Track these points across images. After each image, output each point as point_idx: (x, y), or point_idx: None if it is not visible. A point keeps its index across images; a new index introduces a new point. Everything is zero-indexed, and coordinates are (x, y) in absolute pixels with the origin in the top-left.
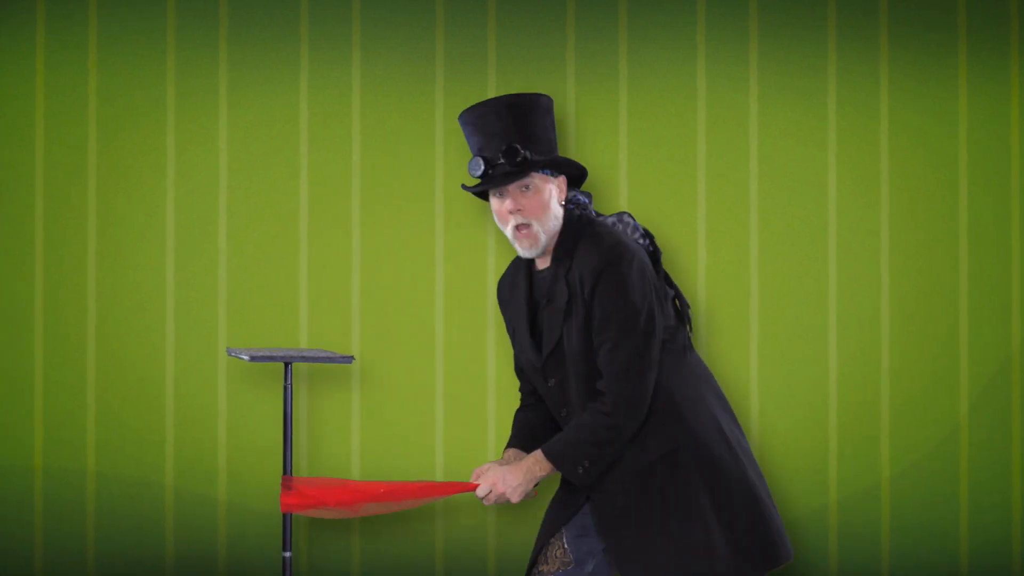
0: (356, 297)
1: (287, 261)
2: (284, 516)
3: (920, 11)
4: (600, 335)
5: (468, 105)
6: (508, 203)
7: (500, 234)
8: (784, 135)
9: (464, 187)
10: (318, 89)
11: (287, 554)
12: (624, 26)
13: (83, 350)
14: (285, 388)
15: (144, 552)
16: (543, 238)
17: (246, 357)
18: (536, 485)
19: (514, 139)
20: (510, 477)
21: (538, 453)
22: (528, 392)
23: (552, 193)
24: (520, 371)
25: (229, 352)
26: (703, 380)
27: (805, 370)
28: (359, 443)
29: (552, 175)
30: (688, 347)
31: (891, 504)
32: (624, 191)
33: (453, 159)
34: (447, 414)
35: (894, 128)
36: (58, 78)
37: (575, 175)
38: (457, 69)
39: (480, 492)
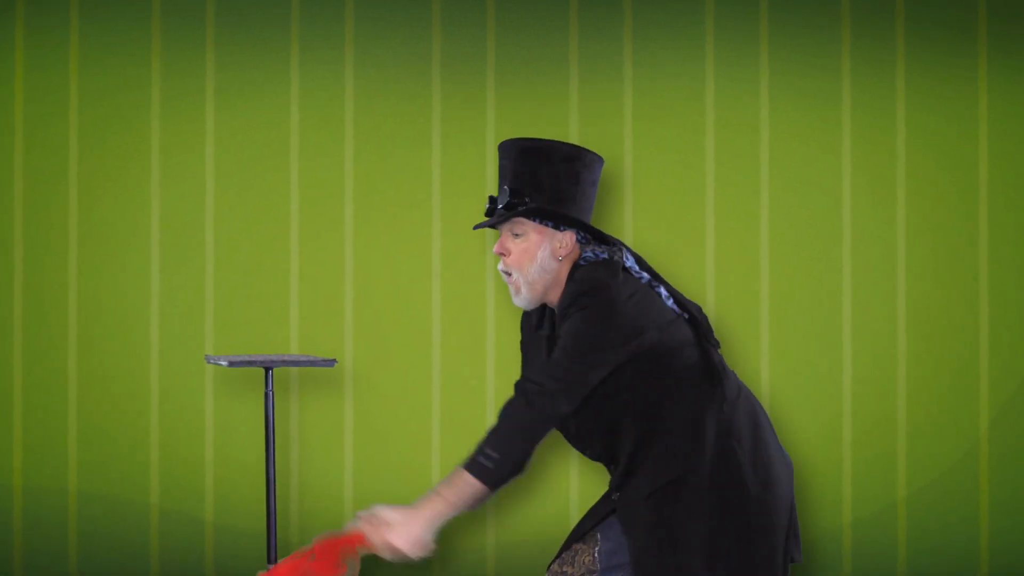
0: (349, 307)
1: (277, 270)
2: (268, 531)
3: (939, 9)
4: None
5: (465, 106)
6: (496, 246)
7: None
8: (796, 139)
9: (479, 226)
10: (309, 91)
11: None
12: (629, 26)
13: (64, 364)
14: (266, 395)
15: (128, 575)
16: (525, 289)
17: (225, 363)
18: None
19: (518, 183)
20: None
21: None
22: None
23: (544, 245)
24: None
25: (208, 359)
26: (739, 403)
27: (818, 384)
28: (352, 456)
29: (554, 227)
30: (716, 371)
31: (908, 524)
32: (629, 198)
33: (449, 163)
34: (443, 425)
35: (911, 132)
36: (38, 79)
37: (568, 226)
38: (455, 70)
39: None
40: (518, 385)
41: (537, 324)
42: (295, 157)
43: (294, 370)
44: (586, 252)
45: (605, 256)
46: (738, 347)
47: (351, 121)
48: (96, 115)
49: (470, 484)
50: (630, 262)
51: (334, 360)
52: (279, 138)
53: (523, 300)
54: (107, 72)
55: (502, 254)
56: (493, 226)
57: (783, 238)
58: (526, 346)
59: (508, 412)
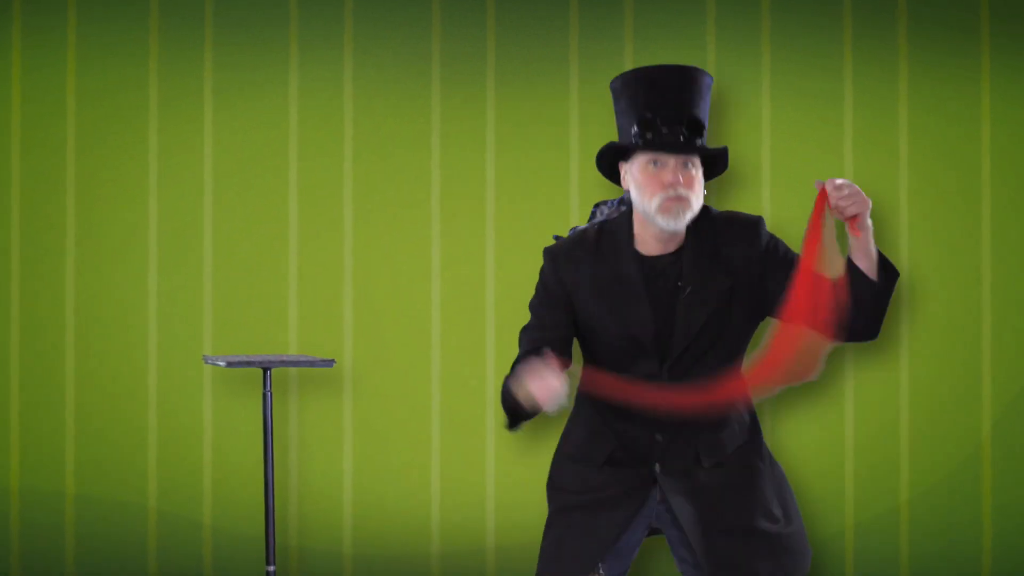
0: (348, 309)
1: (276, 272)
2: (267, 532)
3: (941, 9)
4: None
5: (464, 107)
6: (670, 174)
7: (498, 242)
8: (797, 140)
9: (616, 145)
10: (308, 91)
11: (271, 568)
12: (630, 25)
13: (61, 366)
14: (265, 396)
15: None
16: (691, 215)
17: (223, 363)
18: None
19: (698, 113)
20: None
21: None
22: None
23: (703, 181)
24: (553, 343)
25: (206, 360)
26: None
27: (820, 388)
28: (351, 457)
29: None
30: None
31: (911, 528)
32: None
33: (449, 163)
34: (443, 426)
35: (913, 133)
36: (35, 80)
37: (716, 172)
38: (454, 70)
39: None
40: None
41: (643, 279)
42: (294, 158)
43: (293, 371)
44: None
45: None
46: None
47: (350, 121)
48: (94, 115)
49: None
50: None
51: (333, 360)
52: (278, 138)
53: (681, 224)
54: (105, 72)
55: (680, 182)
56: (684, 152)
57: (785, 239)
58: (606, 299)
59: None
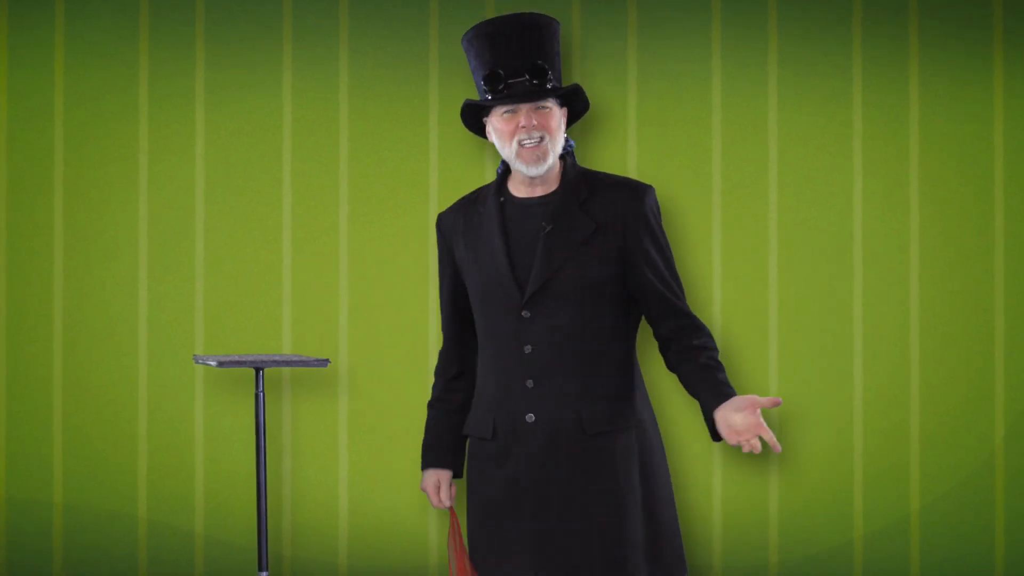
0: (344, 314)
1: (269, 277)
2: (259, 536)
3: (953, 6)
4: (656, 274)
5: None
6: (522, 118)
7: None
8: (806, 141)
9: (471, 102)
10: (303, 91)
11: (263, 574)
12: (634, 23)
13: (49, 372)
14: (257, 396)
15: None
16: (551, 157)
17: (213, 363)
18: None
19: (542, 57)
20: (738, 417)
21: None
22: (453, 376)
23: (560, 120)
24: (453, 322)
25: (196, 360)
26: None
27: (828, 393)
28: (346, 459)
29: (560, 105)
30: None
31: (921, 538)
32: None
33: (446, 165)
34: None
35: (925, 133)
36: (22, 79)
37: (579, 112)
38: (452, 70)
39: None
40: (701, 329)
41: (500, 222)
42: (288, 158)
43: (286, 372)
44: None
45: (573, 144)
46: (746, 354)
47: (345, 122)
48: (82, 115)
49: None
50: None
51: (327, 360)
52: (271, 139)
53: (542, 168)
54: (94, 71)
55: (534, 125)
56: (530, 100)
57: (792, 242)
58: (471, 252)
59: (714, 357)
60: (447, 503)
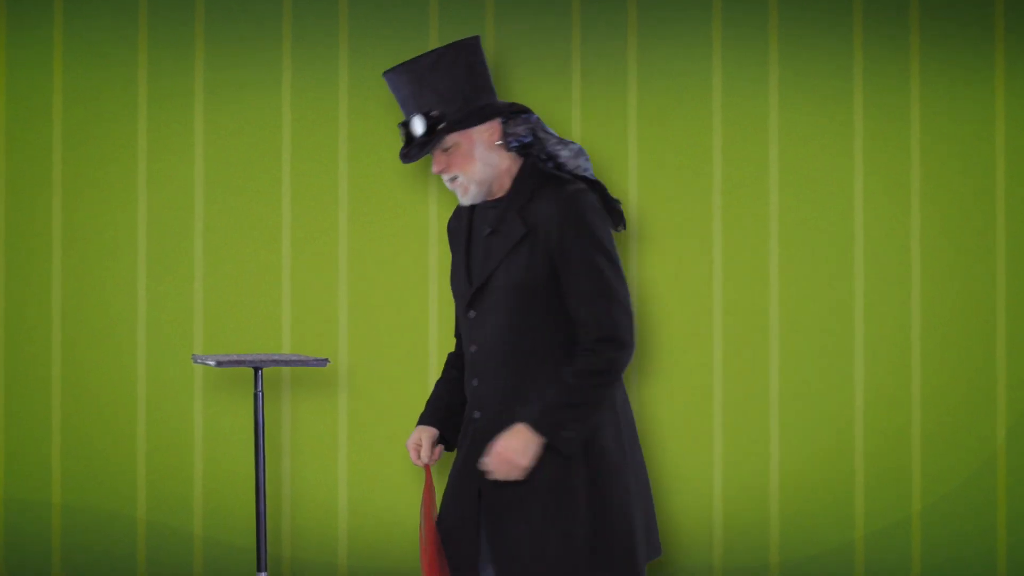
0: (344, 315)
1: (269, 277)
2: (258, 532)
3: (954, 6)
4: (573, 284)
5: None
6: (434, 166)
7: None
8: (807, 141)
9: (406, 162)
10: (302, 91)
11: (262, 575)
12: (634, 24)
13: (47, 372)
14: (256, 396)
15: None
16: (474, 188)
17: (212, 363)
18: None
19: (422, 106)
20: (514, 442)
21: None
22: (456, 356)
23: (476, 143)
24: (457, 319)
25: (195, 359)
26: None
27: (829, 394)
28: (346, 460)
29: (476, 125)
30: None
31: (923, 539)
32: (634, 201)
33: None
34: None
35: (926, 133)
36: (20, 78)
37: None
38: None
39: (489, 465)
40: (592, 351)
41: (468, 226)
42: (287, 158)
43: (285, 372)
44: (510, 139)
45: (529, 140)
46: (746, 354)
47: (345, 121)
48: (81, 115)
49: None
50: (557, 146)
51: (327, 360)
52: (271, 139)
53: (472, 196)
54: (92, 70)
55: (443, 169)
56: (419, 157)
57: (793, 242)
58: (461, 254)
59: (591, 382)
60: (424, 460)
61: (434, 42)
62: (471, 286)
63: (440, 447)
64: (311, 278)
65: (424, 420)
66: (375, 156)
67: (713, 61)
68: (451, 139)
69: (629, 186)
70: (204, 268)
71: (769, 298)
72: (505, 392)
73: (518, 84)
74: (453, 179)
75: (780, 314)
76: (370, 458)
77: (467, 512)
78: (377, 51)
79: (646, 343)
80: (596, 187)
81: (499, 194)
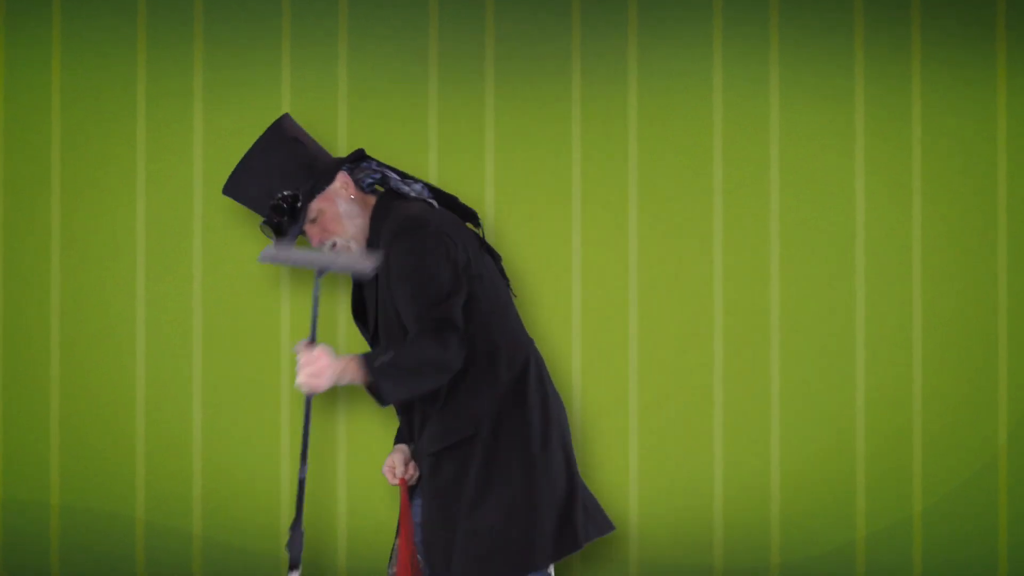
0: (343, 313)
1: (268, 277)
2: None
3: (955, 3)
4: (402, 306)
5: (463, 107)
6: (311, 241)
7: (497, 242)
8: (808, 140)
9: (266, 259)
10: (301, 91)
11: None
12: (634, 22)
13: (46, 373)
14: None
15: None
16: (354, 244)
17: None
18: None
19: (263, 206)
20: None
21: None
22: None
23: (332, 203)
24: None
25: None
26: (525, 344)
27: (830, 394)
28: (345, 462)
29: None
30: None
31: (924, 539)
32: (635, 201)
33: (447, 165)
34: None
35: (928, 132)
36: (18, 78)
37: (354, 161)
38: (452, 69)
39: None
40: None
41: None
42: None
43: (285, 368)
44: (362, 181)
45: (379, 176)
46: (747, 354)
47: (344, 122)
48: (80, 115)
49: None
50: (399, 180)
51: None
52: None
53: (356, 250)
54: (91, 70)
55: (322, 240)
56: (294, 241)
57: (794, 242)
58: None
59: (403, 353)
60: (399, 475)
61: (434, 42)
62: (369, 330)
63: (413, 463)
64: (310, 277)
65: (398, 439)
66: (374, 155)
67: (714, 60)
68: (315, 208)
69: (629, 185)
70: (203, 268)
71: (770, 297)
72: (415, 420)
73: (518, 84)
74: (333, 245)
75: (781, 314)
76: (369, 458)
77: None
78: (377, 51)
79: (646, 343)
80: (442, 199)
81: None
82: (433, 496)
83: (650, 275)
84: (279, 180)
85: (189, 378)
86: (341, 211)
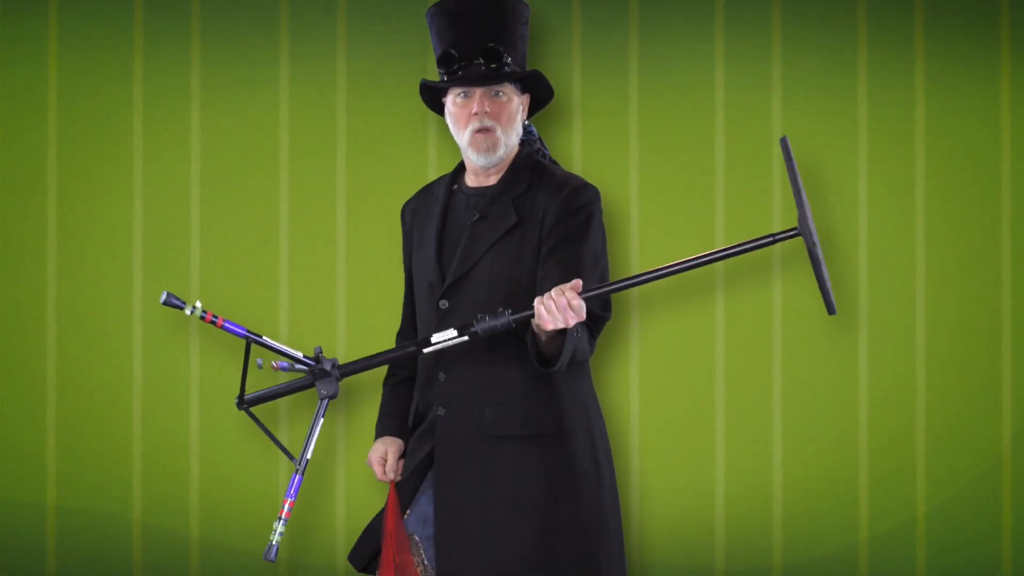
0: (342, 315)
1: (266, 277)
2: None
3: (959, 1)
4: (559, 264)
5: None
6: (475, 104)
7: None
8: (810, 138)
9: (426, 82)
10: (300, 87)
11: None
12: (635, 18)
13: (42, 373)
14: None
15: None
16: (502, 148)
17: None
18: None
19: (501, 41)
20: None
21: None
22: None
23: (519, 108)
24: (408, 306)
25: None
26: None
27: (832, 394)
28: (344, 463)
29: (520, 91)
30: None
31: (928, 541)
32: (635, 200)
33: (446, 164)
34: None
35: (931, 130)
36: (13, 75)
37: (542, 98)
38: None
39: (546, 314)
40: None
41: (442, 211)
42: (285, 156)
43: (284, 373)
44: (528, 124)
45: (538, 136)
46: (749, 355)
47: (343, 118)
48: (76, 112)
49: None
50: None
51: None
52: (268, 136)
53: (494, 158)
54: (88, 67)
55: (486, 112)
56: (480, 84)
57: (796, 240)
58: (418, 242)
59: (584, 344)
60: (391, 476)
61: None
62: (444, 276)
63: (403, 461)
64: (309, 276)
65: (388, 431)
66: (374, 154)
67: (716, 57)
68: (506, 89)
69: (630, 185)
70: (200, 267)
71: (771, 297)
72: (476, 389)
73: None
74: (486, 130)
75: (783, 311)
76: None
77: (473, 516)
78: (375, 48)
79: (647, 342)
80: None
81: (494, 179)
82: (492, 487)
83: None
84: (504, 39)
85: (187, 379)
86: (518, 121)
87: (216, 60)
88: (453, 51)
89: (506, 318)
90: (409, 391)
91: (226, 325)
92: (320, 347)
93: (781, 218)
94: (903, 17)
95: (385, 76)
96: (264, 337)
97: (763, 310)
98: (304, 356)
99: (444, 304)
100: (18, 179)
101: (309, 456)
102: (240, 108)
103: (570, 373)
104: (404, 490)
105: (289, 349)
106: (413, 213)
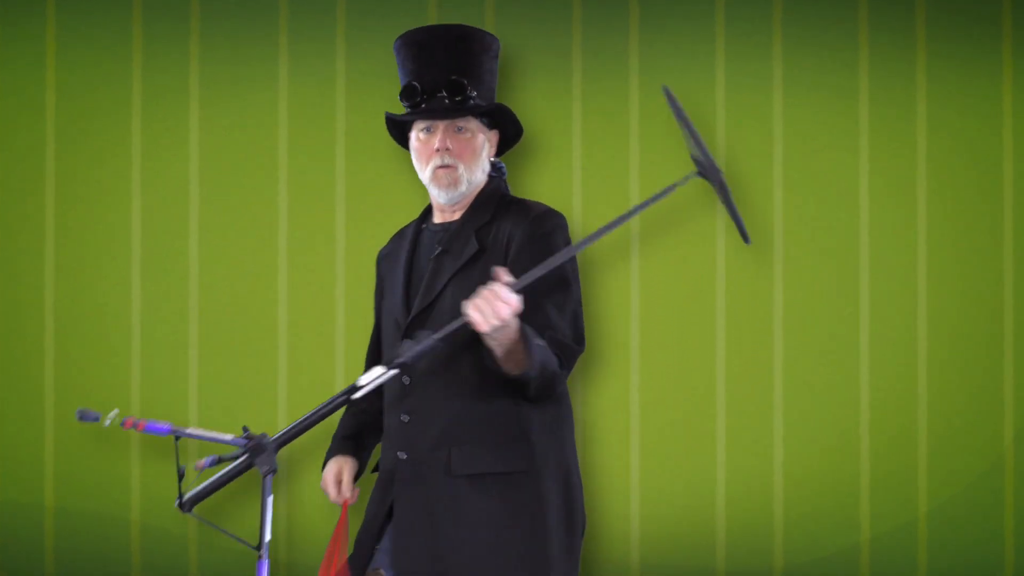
0: (341, 312)
1: (265, 277)
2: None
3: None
4: (540, 296)
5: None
6: (437, 140)
7: None
8: (811, 138)
9: (390, 115)
10: (299, 86)
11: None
12: (636, 18)
13: (40, 373)
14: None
15: None
16: (464, 185)
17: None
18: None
19: (463, 74)
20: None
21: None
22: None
23: (484, 144)
24: (374, 345)
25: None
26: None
27: (834, 394)
28: None
29: (487, 126)
30: None
31: (929, 541)
32: (636, 199)
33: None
34: None
35: (932, 129)
36: (12, 74)
37: (510, 136)
38: None
39: (477, 316)
40: (555, 341)
41: (410, 250)
42: (284, 155)
43: (283, 367)
44: (496, 160)
45: (503, 168)
46: (750, 355)
47: (342, 118)
48: (74, 111)
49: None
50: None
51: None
52: (267, 135)
53: (455, 194)
54: (86, 66)
55: (447, 149)
56: (442, 118)
57: (798, 240)
58: (387, 283)
59: (551, 359)
60: (346, 495)
61: None
62: (409, 312)
63: (358, 489)
64: (308, 275)
65: (341, 451)
66: (373, 153)
67: (716, 56)
68: (470, 125)
69: (630, 185)
70: (199, 266)
71: (773, 297)
72: (440, 431)
73: (518, 81)
74: (447, 166)
75: (784, 314)
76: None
77: (426, 566)
78: (375, 47)
79: (648, 342)
80: None
81: (456, 215)
82: (460, 528)
83: (651, 273)
84: (469, 72)
85: (185, 378)
86: (482, 157)
87: (215, 59)
88: (416, 83)
89: (430, 338)
90: (368, 419)
91: (148, 427)
92: (246, 426)
93: (784, 216)
94: (904, 16)
95: (385, 76)
96: (189, 429)
97: (764, 310)
98: (234, 437)
99: (407, 342)
100: (16, 178)
101: (268, 538)
102: (239, 107)
103: (544, 408)
104: (361, 548)
105: (217, 434)
106: (385, 259)
